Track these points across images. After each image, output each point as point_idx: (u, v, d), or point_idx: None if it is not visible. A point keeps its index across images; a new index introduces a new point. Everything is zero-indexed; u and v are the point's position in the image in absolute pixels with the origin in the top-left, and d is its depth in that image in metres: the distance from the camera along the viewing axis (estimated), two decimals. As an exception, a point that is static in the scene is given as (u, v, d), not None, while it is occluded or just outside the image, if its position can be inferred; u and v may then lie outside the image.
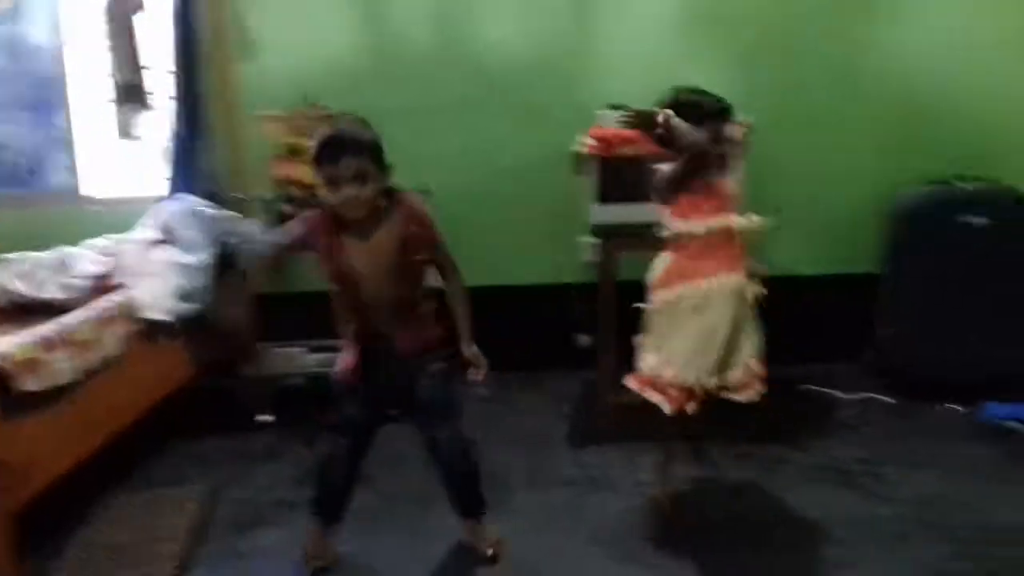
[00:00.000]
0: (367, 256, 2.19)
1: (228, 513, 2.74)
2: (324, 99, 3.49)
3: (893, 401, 3.29)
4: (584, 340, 3.37)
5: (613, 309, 3.20)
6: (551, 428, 3.25)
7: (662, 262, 2.49)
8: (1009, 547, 2.32)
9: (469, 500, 2.41)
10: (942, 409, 3.18)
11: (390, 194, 2.22)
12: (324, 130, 2.18)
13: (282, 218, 3.44)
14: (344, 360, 2.31)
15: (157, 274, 3.13)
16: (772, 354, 2.42)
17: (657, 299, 2.47)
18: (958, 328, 3.24)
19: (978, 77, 3.47)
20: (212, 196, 3.62)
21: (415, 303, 2.29)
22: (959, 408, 3.16)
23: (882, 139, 3.55)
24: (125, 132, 3.66)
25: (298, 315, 3.70)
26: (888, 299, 3.39)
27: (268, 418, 3.39)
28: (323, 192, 2.15)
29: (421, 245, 2.24)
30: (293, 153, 3.39)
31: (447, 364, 2.33)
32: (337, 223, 2.18)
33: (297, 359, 3.60)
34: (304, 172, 3.31)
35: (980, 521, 2.45)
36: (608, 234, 3.14)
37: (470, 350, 2.37)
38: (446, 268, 2.34)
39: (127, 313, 2.91)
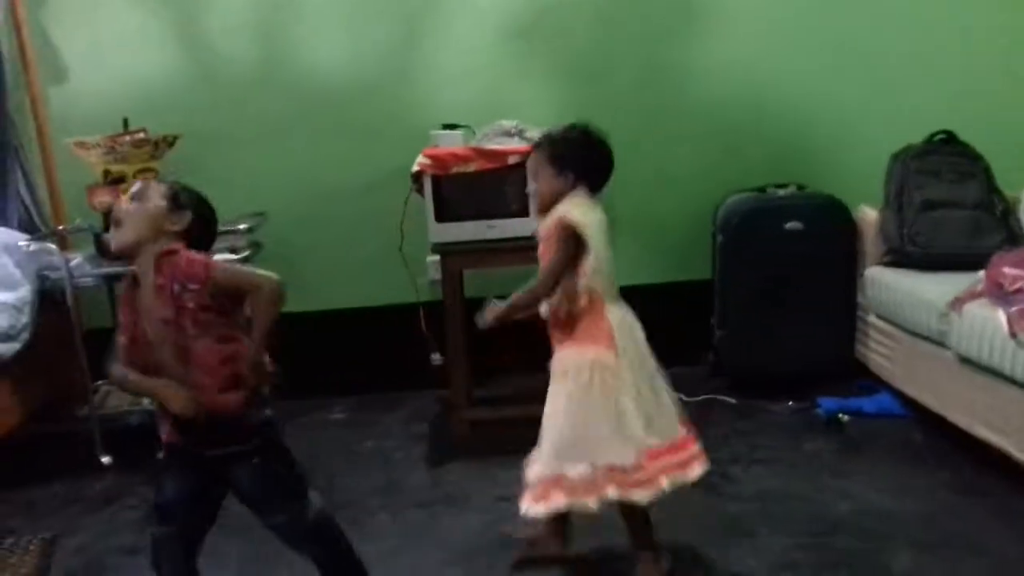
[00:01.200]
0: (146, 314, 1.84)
1: (67, 564, 2.57)
2: (144, 122, 3.36)
3: (734, 401, 3.43)
4: (437, 358, 3.37)
5: (461, 326, 3.22)
6: (407, 447, 3.23)
7: None
8: (848, 536, 2.45)
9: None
10: (778, 406, 3.34)
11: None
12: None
13: (103, 248, 3.29)
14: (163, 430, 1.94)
15: (-29, 314, 2.92)
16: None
17: None
18: (786, 327, 3.42)
19: (792, 89, 3.69)
20: (27, 228, 3.42)
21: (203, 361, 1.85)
22: (794, 404, 3.33)
23: (704, 150, 3.70)
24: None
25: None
26: (720, 303, 3.56)
27: (106, 460, 3.20)
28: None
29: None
30: (112, 180, 3.23)
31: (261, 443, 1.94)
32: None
33: (135, 396, 3.42)
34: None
35: (820, 512, 2.58)
36: (449, 252, 3.17)
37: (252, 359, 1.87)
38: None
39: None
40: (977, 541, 2.39)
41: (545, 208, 2.24)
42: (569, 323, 2.20)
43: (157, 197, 1.88)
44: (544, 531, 2.34)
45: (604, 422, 2.12)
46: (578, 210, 2.16)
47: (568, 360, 2.20)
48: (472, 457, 3.10)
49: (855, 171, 3.63)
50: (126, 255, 1.87)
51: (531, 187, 2.30)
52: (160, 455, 1.97)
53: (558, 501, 2.13)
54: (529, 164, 2.29)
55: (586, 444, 2.12)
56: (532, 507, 2.17)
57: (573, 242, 2.13)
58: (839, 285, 3.47)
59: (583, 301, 2.17)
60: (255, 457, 1.92)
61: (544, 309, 2.24)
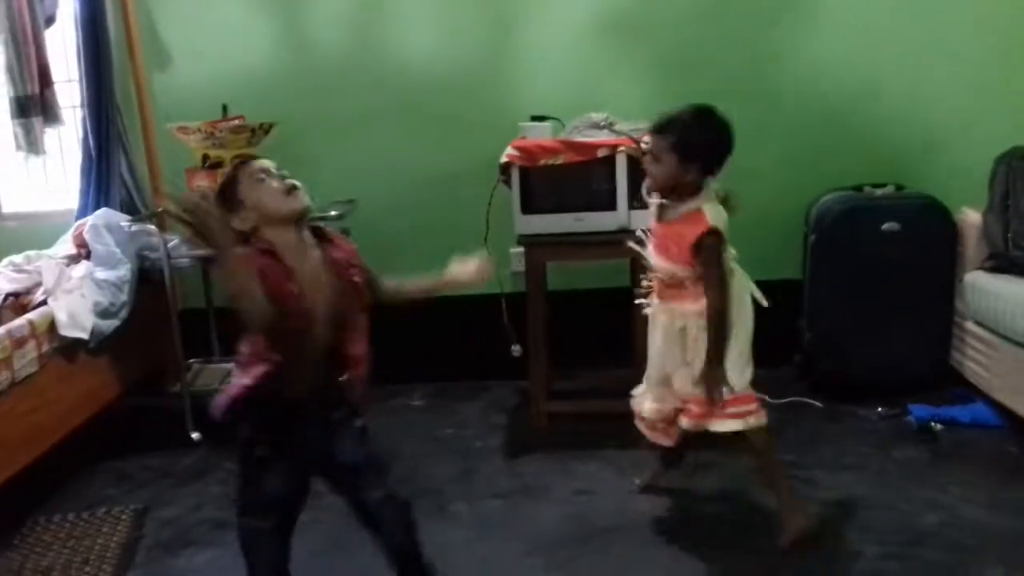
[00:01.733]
0: (308, 282, 1.86)
1: (156, 534, 2.67)
2: (242, 110, 3.45)
3: (820, 405, 3.35)
4: (517, 350, 3.38)
5: (543, 318, 3.22)
6: (486, 438, 3.25)
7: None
8: (936, 549, 2.38)
9: (413, 563, 2.08)
10: (867, 412, 3.25)
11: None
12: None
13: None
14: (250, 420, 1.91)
15: (75, 290, 3.04)
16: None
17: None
18: (878, 331, 3.32)
19: (888, 87, 3.57)
20: (129, 209, 3.55)
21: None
22: (884, 411, 3.24)
23: (797, 147, 3.62)
24: (34, 147, 3.53)
25: (226, 330, 3.65)
26: (810, 304, 3.47)
27: (196, 436, 3.30)
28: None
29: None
30: (211, 165, 3.33)
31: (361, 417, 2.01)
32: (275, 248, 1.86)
33: (225, 375, 3.52)
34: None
35: (906, 522, 2.51)
36: (534, 244, 3.16)
37: None
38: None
39: (42, 331, 2.82)
40: (1076, 562, 2.29)
41: (661, 190, 2.36)
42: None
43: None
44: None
45: None
46: (714, 211, 2.30)
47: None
48: (550, 449, 3.10)
49: (956, 172, 3.50)
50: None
51: (650, 168, 2.35)
52: (257, 451, 1.92)
53: None
54: (652, 146, 2.33)
55: None
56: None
57: (722, 247, 2.32)
58: (936, 290, 3.36)
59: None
60: (359, 419, 1.98)
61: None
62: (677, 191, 2.34)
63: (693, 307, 2.36)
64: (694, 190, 2.33)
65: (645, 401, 2.60)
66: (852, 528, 2.50)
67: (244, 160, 1.98)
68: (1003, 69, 3.54)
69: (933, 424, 3.08)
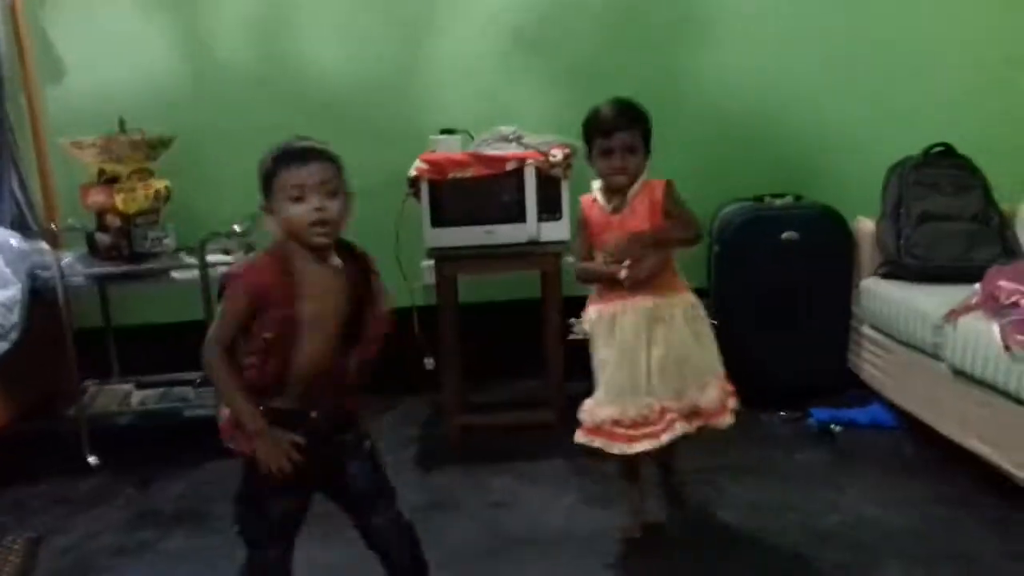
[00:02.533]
0: (320, 299, 1.77)
1: (52, 564, 2.55)
2: (141, 123, 3.34)
3: (725, 410, 3.42)
4: (430, 363, 3.36)
5: (455, 331, 3.22)
6: (398, 451, 3.21)
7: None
8: (838, 549, 2.44)
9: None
10: (771, 416, 3.33)
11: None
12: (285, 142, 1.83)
13: (95, 248, 3.27)
14: (266, 448, 1.77)
15: (-39, 312, 2.90)
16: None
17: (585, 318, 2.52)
18: (780, 337, 3.41)
19: (786, 99, 3.69)
20: (20, 226, 3.41)
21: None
22: (787, 414, 3.32)
23: (699, 158, 3.67)
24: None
25: (124, 350, 3.53)
26: (714, 312, 3.54)
27: (93, 460, 3.18)
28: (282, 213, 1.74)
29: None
30: (106, 180, 3.22)
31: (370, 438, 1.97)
32: (284, 258, 1.76)
33: (124, 397, 3.41)
34: (120, 200, 3.16)
35: (811, 524, 2.57)
36: (444, 257, 3.16)
37: None
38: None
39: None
40: (968, 555, 2.39)
41: (633, 181, 2.42)
42: (664, 275, 2.44)
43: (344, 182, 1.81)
44: None
45: None
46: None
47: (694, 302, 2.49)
48: (463, 462, 3.08)
49: (852, 182, 3.63)
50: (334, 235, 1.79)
51: (628, 161, 2.40)
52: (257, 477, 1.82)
53: None
54: (627, 140, 2.39)
55: None
56: None
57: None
58: (834, 295, 3.47)
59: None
60: (367, 441, 1.93)
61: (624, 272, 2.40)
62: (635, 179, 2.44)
63: (678, 295, 2.46)
64: (641, 172, 2.45)
65: (602, 409, 2.42)
66: (756, 531, 2.55)
67: (288, 151, 1.79)
68: (896, 82, 3.69)
69: (833, 426, 3.18)
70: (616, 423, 2.38)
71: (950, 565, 2.34)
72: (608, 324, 2.43)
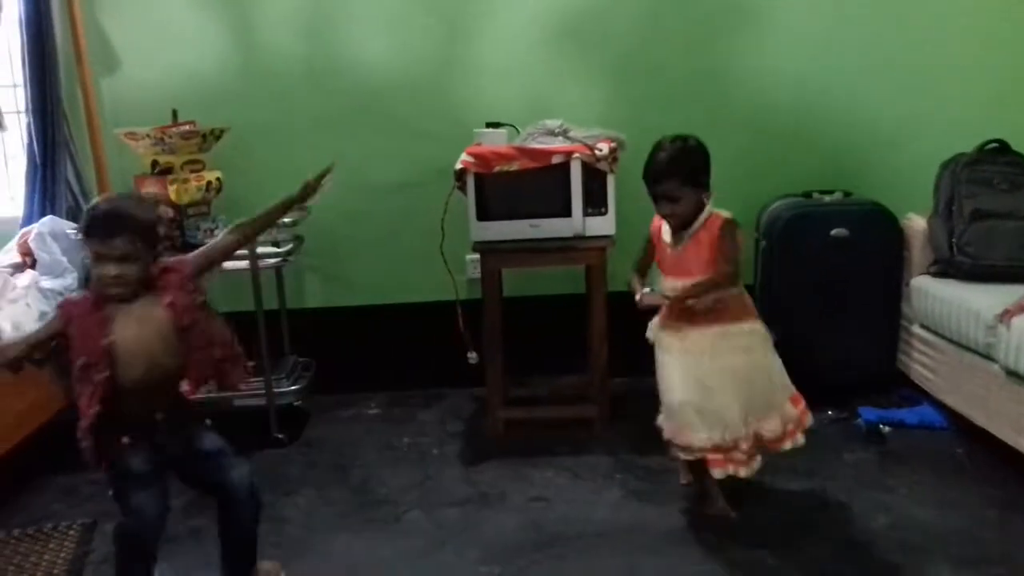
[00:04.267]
0: (134, 331, 2.05)
1: (107, 549, 2.58)
2: (192, 115, 3.40)
3: (770, 408, 3.39)
4: (473, 357, 3.38)
5: (498, 325, 3.23)
6: (442, 445, 3.24)
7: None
8: (886, 550, 2.41)
9: (253, 546, 2.28)
10: (818, 415, 3.28)
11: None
12: (98, 203, 2.14)
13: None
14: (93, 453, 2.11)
15: (19, 300, 2.97)
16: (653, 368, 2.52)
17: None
18: (828, 336, 3.37)
19: (836, 94, 3.63)
20: (75, 216, 3.48)
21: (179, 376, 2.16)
22: (834, 413, 3.28)
23: (747, 154, 3.65)
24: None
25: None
26: (761, 309, 3.50)
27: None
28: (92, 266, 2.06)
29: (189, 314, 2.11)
30: (160, 171, 3.28)
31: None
32: (100, 299, 2.06)
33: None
34: (173, 191, 3.22)
35: (859, 525, 2.55)
36: (489, 251, 3.17)
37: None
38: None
39: (-14, 343, 2.74)
40: (1019, 558, 2.35)
41: (688, 223, 2.51)
42: (726, 307, 2.51)
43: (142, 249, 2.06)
44: None
45: None
46: (724, 212, 2.52)
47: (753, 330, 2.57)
48: (506, 457, 3.09)
49: (903, 178, 3.57)
50: (127, 291, 2.06)
51: (671, 210, 2.51)
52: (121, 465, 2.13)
53: None
54: (665, 190, 2.48)
55: None
56: None
57: (738, 234, 2.52)
58: (883, 294, 3.42)
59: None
60: (207, 418, 2.25)
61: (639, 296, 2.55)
62: (692, 217, 2.51)
63: (741, 324, 2.54)
64: (700, 209, 2.51)
65: (694, 432, 2.49)
66: (804, 530, 2.53)
67: (91, 223, 2.05)
68: (948, 76, 3.61)
69: (881, 426, 3.14)
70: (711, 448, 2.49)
71: (1000, 569, 2.30)
72: (671, 349, 2.56)
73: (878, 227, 3.38)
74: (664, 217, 2.55)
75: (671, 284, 2.55)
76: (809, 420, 2.61)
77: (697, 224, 2.51)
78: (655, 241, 2.62)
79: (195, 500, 2.85)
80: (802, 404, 2.60)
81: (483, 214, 3.12)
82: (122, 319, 2.04)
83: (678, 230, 2.54)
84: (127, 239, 2.01)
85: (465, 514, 2.74)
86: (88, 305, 2.05)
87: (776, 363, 2.58)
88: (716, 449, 2.47)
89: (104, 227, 2.01)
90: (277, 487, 2.93)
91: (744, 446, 2.48)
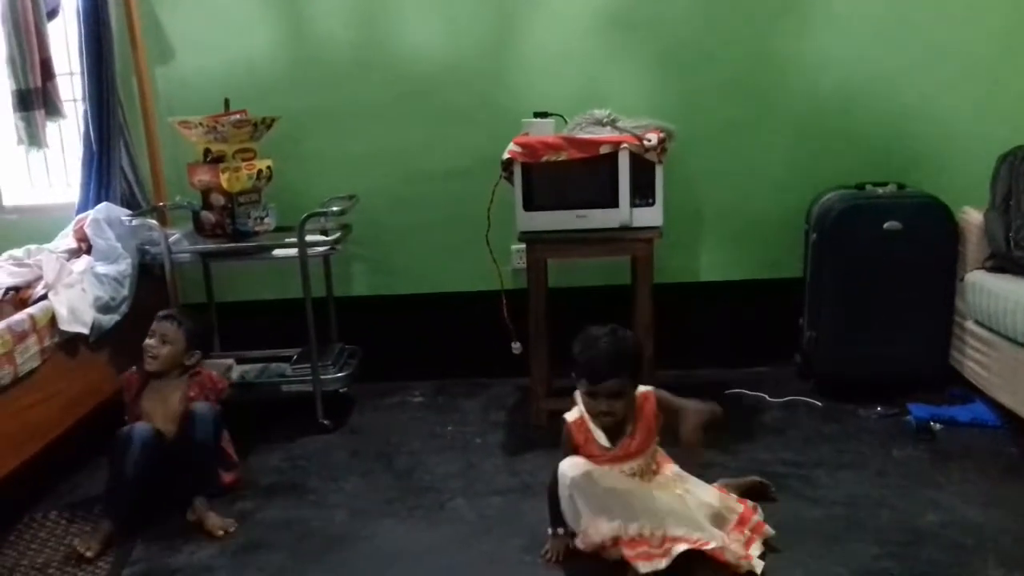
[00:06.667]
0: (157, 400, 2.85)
1: (157, 529, 2.66)
2: (244, 103, 3.44)
3: (820, 404, 3.34)
4: (517, 347, 3.38)
5: (543, 315, 3.22)
6: (486, 435, 3.25)
7: None
8: (935, 548, 2.38)
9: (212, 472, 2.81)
10: (867, 411, 3.25)
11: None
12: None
13: (200, 226, 3.39)
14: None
15: (75, 285, 3.04)
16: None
17: None
18: (879, 330, 3.32)
19: (890, 85, 3.56)
20: (130, 203, 3.55)
21: None
22: (884, 410, 3.23)
23: (799, 144, 3.61)
24: (35, 140, 3.51)
25: (226, 325, 3.65)
26: (811, 303, 3.47)
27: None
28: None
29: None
30: (212, 159, 3.33)
31: None
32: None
33: (225, 370, 3.52)
34: (225, 179, 3.26)
35: (906, 522, 2.51)
36: (535, 241, 3.16)
37: None
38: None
39: (43, 326, 2.81)
40: (1075, 562, 2.29)
41: (622, 420, 2.37)
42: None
43: (180, 340, 2.89)
44: None
45: None
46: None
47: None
48: (549, 447, 3.07)
49: (958, 171, 3.50)
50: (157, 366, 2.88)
51: (610, 407, 2.33)
52: None
53: None
54: (614, 389, 2.32)
55: None
56: None
57: None
58: (937, 289, 3.35)
59: None
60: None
61: None
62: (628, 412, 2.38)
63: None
64: (633, 403, 2.39)
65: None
66: (851, 527, 2.50)
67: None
68: (1006, 68, 3.53)
69: (932, 423, 3.08)
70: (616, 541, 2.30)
71: (1054, 572, 2.26)
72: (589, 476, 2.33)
73: (932, 220, 3.31)
74: (598, 415, 2.34)
75: (628, 467, 2.37)
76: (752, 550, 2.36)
77: (630, 419, 2.38)
78: (577, 443, 2.39)
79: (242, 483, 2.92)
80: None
81: (530, 204, 3.11)
82: (150, 387, 2.91)
83: (610, 427, 2.37)
84: (166, 325, 2.92)
85: (508, 503, 2.74)
86: (138, 376, 2.93)
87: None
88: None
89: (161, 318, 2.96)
90: (323, 473, 2.97)
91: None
